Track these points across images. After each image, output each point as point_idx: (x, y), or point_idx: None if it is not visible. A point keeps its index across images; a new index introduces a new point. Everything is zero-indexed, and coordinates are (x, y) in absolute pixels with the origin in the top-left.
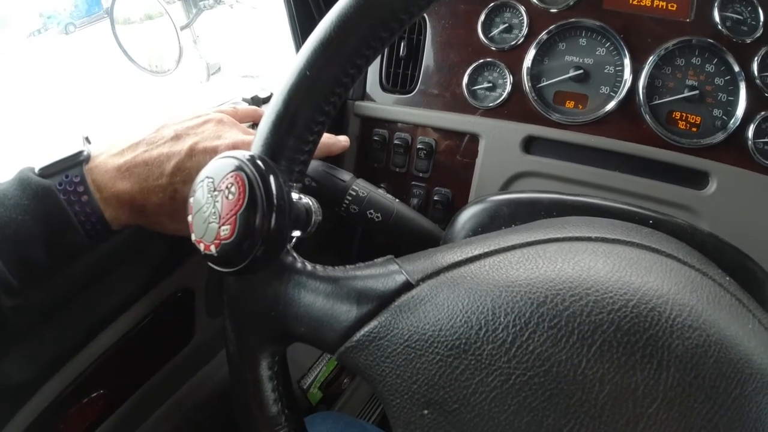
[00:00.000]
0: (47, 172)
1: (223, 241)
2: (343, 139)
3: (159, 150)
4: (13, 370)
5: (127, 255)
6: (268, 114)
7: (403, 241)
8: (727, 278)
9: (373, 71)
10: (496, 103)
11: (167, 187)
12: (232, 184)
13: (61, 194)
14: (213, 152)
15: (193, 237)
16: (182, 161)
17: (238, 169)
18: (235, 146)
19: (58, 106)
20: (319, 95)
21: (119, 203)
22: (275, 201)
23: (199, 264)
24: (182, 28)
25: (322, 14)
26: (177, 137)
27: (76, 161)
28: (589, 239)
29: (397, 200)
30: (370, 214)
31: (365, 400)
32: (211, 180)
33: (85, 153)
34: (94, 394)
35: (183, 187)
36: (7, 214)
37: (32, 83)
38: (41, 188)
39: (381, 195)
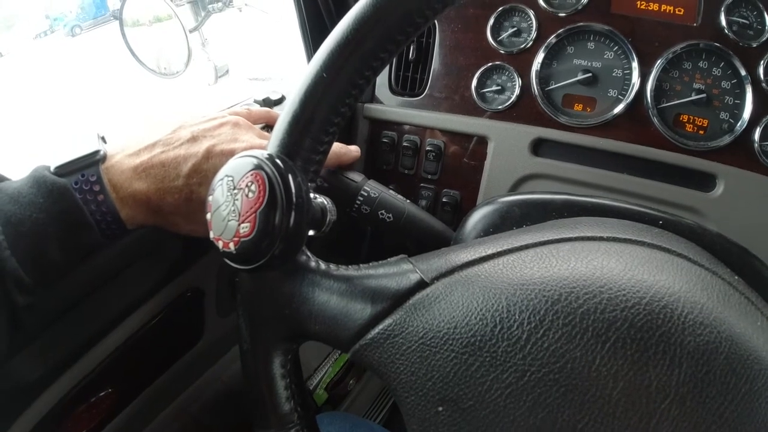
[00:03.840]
0: (63, 170)
1: (243, 239)
2: (354, 149)
3: (176, 151)
4: (22, 369)
5: (137, 255)
6: (285, 114)
7: (413, 241)
8: (736, 277)
9: (382, 74)
10: (504, 105)
11: (183, 189)
12: (252, 183)
13: (76, 193)
14: (230, 155)
15: (211, 235)
16: (199, 163)
17: (258, 167)
18: (251, 149)
19: (64, 108)
20: (335, 96)
21: (135, 203)
22: (294, 199)
23: (209, 264)
24: (191, 31)
25: (333, 19)
26: (194, 139)
27: (93, 160)
28: (601, 239)
29: (408, 201)
30: (382, 214)
31: (371, 401)
32: (230, 178)
33: (101, 152)
34: (102, 393)
35: (199, 188)
36: (22, 211)
37: (39, 84)
38: (57, 186)
39: (392, 196)
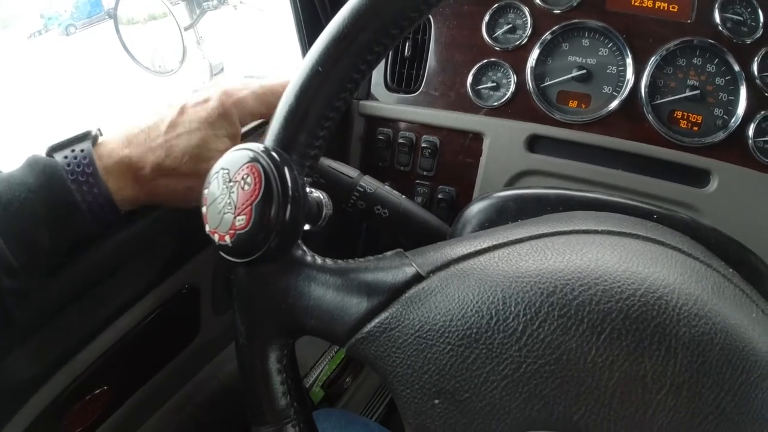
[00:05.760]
0: (55, 148)
1: (239, 231)
2: None
3: (155, 117)
4: (17, 366)
5: (133, 252)
6: (280, 108)
7: (409, 236)
8: (731, 270)
9: (378, 71)
10: (500, 102)
11: (163, 145)
12: (248, 175)
13: (68, 173)
14: (204, 104)
15: (207, 228)
16: (175, 119)
17: (254, 160)
18: (225, 93)
19: (60, 106)
20: (331, 91)
21: (119, 170)
22: (290, 192)
23: (205, 261)
24: (186, 29)
25: (328, 16)
26: (170, 106)
27: (85, 137)
28: (596, 232)
29: (403, 196)
30: (378, 210)
31: (367, 398)
32: (226, 171)
33: (93, 132)
34: (98, 391)
35: (177, 141)
36: (11, 191)
37: (34, 83)
38: (48, 168)
39: (388, 191)
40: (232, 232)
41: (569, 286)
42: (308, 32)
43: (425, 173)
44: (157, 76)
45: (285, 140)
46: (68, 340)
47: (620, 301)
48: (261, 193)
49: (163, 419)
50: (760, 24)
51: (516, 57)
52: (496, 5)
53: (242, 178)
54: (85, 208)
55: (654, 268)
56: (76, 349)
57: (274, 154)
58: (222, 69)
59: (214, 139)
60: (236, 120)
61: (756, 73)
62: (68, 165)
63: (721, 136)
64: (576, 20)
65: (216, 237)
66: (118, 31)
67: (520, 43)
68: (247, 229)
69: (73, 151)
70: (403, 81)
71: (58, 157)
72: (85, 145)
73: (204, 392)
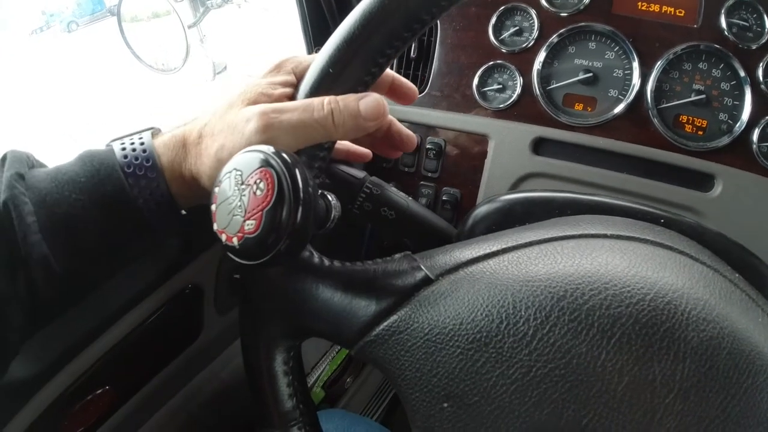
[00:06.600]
0: (112, 141)
1: (247, 235)
2: (367, 153)
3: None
4: (19, 365)
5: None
6: None
7: (415, 238)
8: (737, 275)
9: None
10: (505, 104)
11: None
12: (261, 180)
13: (123, 166)
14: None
15: (215, 226)
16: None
17: (267, 164)
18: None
19: (60, 105)
20: (341, 93)
21: (171, 139)
22: (302, 195)
23: (208, 260)
24: (189, 27)
25: (335, 16)
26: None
27: (145, 130)
28: (604, 236)
29: (410, 198)
30: (384, 211)
31: (368, 398)
32: (239, 173)
33: (156, 127)
34: (100, 391)
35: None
36: (59, 190)
37: (35, 80)
38: (103, 165)
39: (394, 193)
40: (240, 235)
41: (579, 290)
42: (314, 33)
43: (430, 174)
44: (160, 74)
45: None
46: (71, 340)
47: (630, 306)
48: (273, 200)
49: (165, 419)
50: (766, 29)
51: (522, 59)
52: (503, 7)
53: (255, 183)
54: (141, 205)
55: (663, 273)
56: (79, 348)
57: (285, 155)
58: (225, 68)
59: None
60: None
61: (761, 78)
62: (125, 157)
63: (725, 140)
64: (583, 23)
65: (223, 237)
66: (121, 28)
67: (527, 45)
68: (255, 234)
69: (131, 140)
70: None
71: (114, 144)
72: (145, 134)
73: (206, 392)
